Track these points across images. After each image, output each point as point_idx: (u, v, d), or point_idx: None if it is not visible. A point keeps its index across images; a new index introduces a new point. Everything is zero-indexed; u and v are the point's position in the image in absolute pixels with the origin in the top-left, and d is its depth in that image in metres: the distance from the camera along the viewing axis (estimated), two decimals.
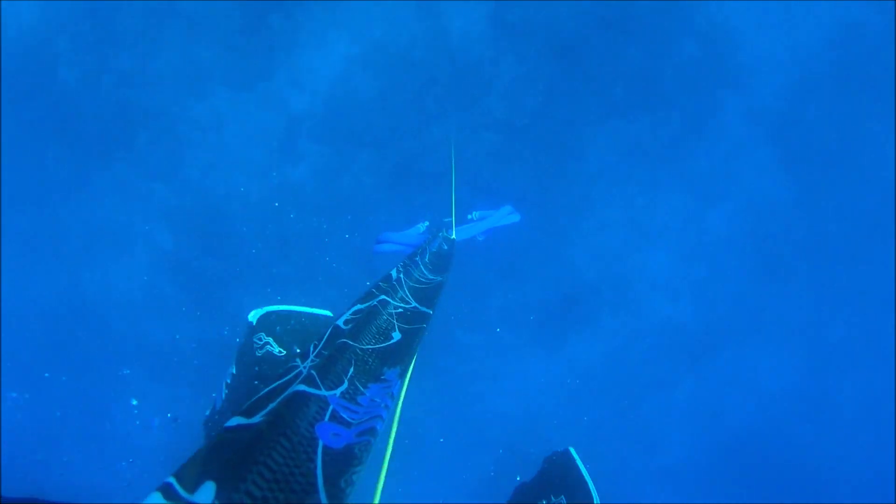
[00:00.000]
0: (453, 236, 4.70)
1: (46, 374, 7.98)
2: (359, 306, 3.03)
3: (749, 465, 8.48)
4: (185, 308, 7.92)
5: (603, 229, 8.80)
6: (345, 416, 2.18)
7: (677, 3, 8.36)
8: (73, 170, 7.93)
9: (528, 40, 8.48)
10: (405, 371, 2.73)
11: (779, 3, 8.46)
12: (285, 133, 8.31)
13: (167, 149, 8.12)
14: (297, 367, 2.39)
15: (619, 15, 8.40)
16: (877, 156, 8.54)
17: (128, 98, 8.04)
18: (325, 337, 2.70)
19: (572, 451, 3.59)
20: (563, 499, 3.30)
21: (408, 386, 2.63)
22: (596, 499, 3.40)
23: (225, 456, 1.68)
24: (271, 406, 1.99)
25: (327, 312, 4.16)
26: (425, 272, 4.01)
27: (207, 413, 3.20)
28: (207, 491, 1.51)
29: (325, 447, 1.94)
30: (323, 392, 2.22)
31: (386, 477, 2.00)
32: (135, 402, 8.07)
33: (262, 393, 2.11)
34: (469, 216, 5.71)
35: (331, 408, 2.18)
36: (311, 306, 4.78)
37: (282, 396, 2.07)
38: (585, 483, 3.52)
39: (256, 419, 1.90)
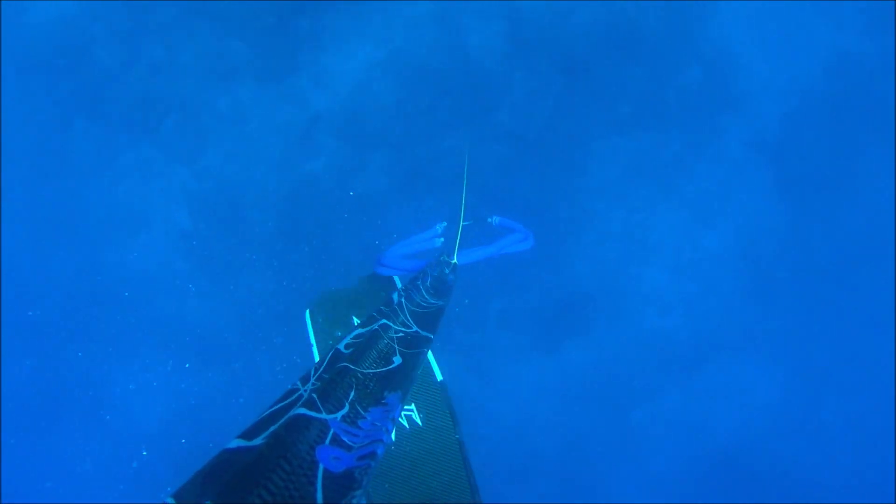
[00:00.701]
0: (454, 260, 4.51)
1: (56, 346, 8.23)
2: (360, 330, 3.07)
3: (735, 477, 8.62)
4: (195, 287, 8.26)
5: (602, 242, 9.10)
6: (345, 439, 2.20)
7: (684, 29, 8.81)
8: (100, 144, 8.36)
9: (541, 57, 8.92)
10: (406, 395, 2.75)
11: (781, 33, 8.90)
12: (305, 129, 8.72)
13: (192, 135, 8.55)
14: (298, 390, 2.40)
15: (629, 38, 8.85)
16: (871, 183, 8.84)
17: (158, 85, 8.51)
18: (326, 361, 2.71)
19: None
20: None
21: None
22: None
23: (225, 478, 1.67)
24: (272, 429, 2.00)
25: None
26: (427, 296, 4.00)
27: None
28: None
29: (325, 471, 1.95)
30: (324, 415, 2.24)
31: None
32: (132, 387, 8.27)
33: (262, 416, 2.12)
34: (489, 220, 5.69)
35: (331, 431, 2.19)
36: (314, 299, 5.03)
37: (283, 419, 2.08)
38: None
39: (257, 442, 1.90)
